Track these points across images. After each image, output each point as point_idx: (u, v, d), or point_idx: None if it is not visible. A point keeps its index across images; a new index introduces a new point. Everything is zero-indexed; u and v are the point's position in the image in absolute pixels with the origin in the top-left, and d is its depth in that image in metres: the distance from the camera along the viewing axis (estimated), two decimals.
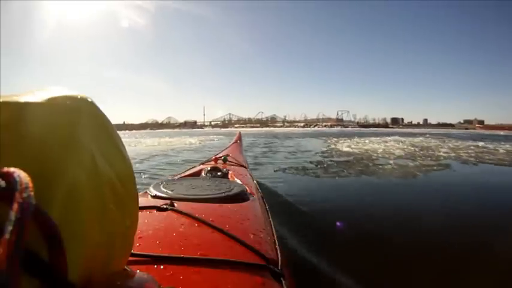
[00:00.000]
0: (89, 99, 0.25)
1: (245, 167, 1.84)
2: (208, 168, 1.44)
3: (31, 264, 0.15)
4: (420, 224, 1.79)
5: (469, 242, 1.52)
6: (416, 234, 1.62)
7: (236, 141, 3.23)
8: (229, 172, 1.45)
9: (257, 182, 1.48)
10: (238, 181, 1.24)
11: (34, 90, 0.22)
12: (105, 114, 0.26)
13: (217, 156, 1.97)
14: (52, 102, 0.21)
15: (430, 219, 1.82)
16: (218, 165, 1.62)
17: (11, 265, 0.12)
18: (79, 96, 0.24)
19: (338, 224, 1.66)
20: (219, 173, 1.38)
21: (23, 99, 0.20)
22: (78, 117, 0.23)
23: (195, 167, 1.66)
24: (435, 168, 4.07)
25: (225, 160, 1.80)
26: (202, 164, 1.80)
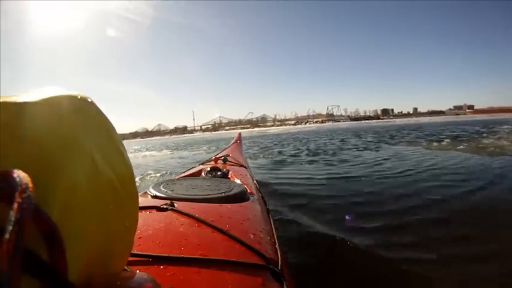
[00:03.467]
0: (89, 99, 0.25)
1: (245, 167, 1.84)
2: (208, 169, 1.44)
3: (31, 264, 0.15)
4: None
5: None
6: None
7: (236, 141, 3.23)
8: (229, 172, 1.46)
9: (257, 182, 1.48)
10: (238, 181, 1.24)
11: (34, 91, 0.22)
12: (105, 114, 0.26)
13: (217, 156, 1.97)
14: (52, 103, 0.21)
15: None
16: (218, 165, 1.62)
17: (11, 265, 0.12)
18: (79, 96, 0.24)
19: None
20: (219, 173, 1.39)
21: (22, 99, 0.20)
22: (78, 117, 0.23)
23: (195, 167, 1.66)
24: None
25: (225, 160, 1.80)
26: (202, 164, 1.80)
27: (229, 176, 1.40)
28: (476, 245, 1.47)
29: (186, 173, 1.51)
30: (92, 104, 0.25)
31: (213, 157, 1.94)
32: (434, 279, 1.19)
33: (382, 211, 1.99)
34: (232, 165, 1.77)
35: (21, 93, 0.21)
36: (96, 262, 0.22)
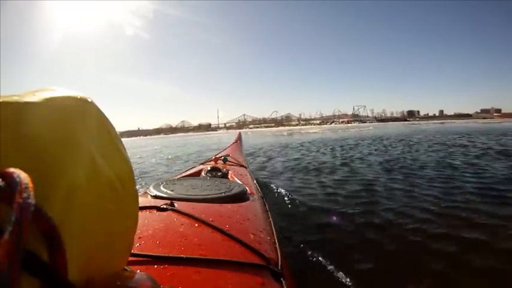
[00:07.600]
0: (89, 99, 0.25)
1: (245, 167, 1.84)
2: (208, 168, 1.44)
3: (31, 264, 0.15)
4: None
5: None
6: None
7: (236, 141, 3.23)
8: (229, 172, 1.46)
9: (257, 182, 1.48)
10: (238, 181, 1.24)
11: (34, 91, 0.22)
12: (106, 114, 0.26)
13: (217, 156, 1.97)
14: (52, 103, 0.21)
15: None
16: (218, 165, 1.62)
17: (11, 265, 0.12)
18: (79, 97, 0.24)
19: None
20: (219, 173, 1.39)
21: (23, 99, 0.20)
22: (78, 117, 0.23)
23: (195, 167, 1.66)
24: None
25: (225, 160, 1.80)
26: (202, 164, 1.80)
27: (229, 176, 1.40)
28: None
29: (186, 173, 1.51)
30: (92, 104, 0.25)
31: (213, 157, 1.94)
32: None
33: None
34: (232, 165, 1.77)
35: (22, 93, 0.21)
36: (96, 262, 0.22)
